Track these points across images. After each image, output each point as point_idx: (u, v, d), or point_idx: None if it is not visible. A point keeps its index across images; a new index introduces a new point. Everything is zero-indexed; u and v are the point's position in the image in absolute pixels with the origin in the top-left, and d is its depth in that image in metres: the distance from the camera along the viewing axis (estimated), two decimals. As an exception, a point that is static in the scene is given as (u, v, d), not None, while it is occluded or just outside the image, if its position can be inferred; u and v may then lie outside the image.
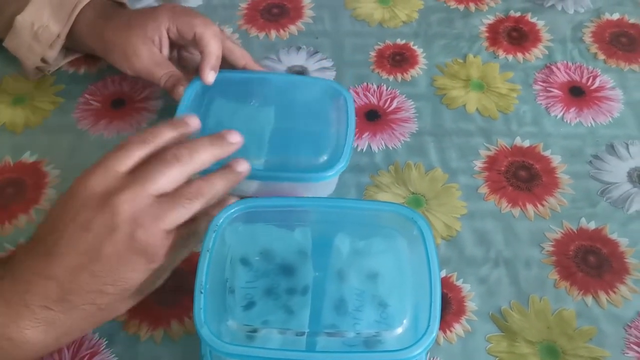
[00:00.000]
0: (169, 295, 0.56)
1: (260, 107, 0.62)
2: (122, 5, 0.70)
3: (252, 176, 0.53)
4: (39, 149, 0.66)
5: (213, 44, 0.63)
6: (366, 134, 0.67)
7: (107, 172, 0.46)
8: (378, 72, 0.73)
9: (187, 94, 0.61)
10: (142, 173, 0.46)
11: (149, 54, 0.63)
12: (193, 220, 0.48)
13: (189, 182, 0.48)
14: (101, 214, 0.44)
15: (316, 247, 0.51)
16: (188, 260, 0.57)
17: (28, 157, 0.65)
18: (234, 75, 0.65)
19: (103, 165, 0.46)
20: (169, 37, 0.65)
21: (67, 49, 0.70)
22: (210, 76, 0.62)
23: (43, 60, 0.69)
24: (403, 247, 0.51)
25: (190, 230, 0.49)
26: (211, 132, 0.51)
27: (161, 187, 0.46)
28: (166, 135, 0.50)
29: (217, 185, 0.49)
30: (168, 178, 0.46)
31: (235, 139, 0.51)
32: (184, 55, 0.70)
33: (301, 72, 0.72)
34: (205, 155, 0.49)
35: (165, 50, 0.65)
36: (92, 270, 0.44)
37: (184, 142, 0.50)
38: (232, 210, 0.50)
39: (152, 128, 0.50)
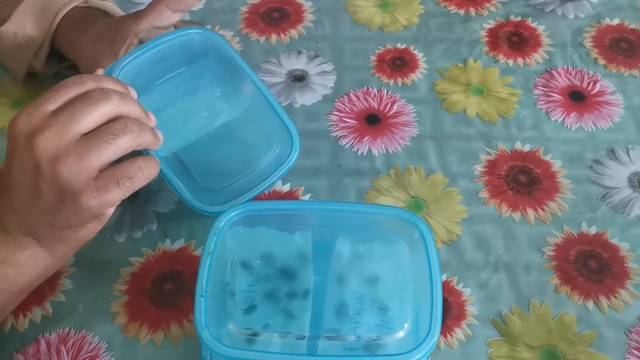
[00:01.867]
0: (168, 298, 0.56)
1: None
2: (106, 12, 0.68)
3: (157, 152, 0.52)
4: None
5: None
6: (366, 137, 0.67)
7: (35, 111, 0.45)
8: (378, 76, 0.73)
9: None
10: (67, 111, 0.45)
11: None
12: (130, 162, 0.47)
13: (115, 120, 0.47)
14: (28, 154, 0.44)
15: (317, 250, 0.51)
16: (188, 264, 0.58)
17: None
18: None
19: (33, 104, 0.46)
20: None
21: (61, 55, 0.70)
22: None
23: (32, 67, 0.68)
24: (404, 251, 0.50)
25: (123, 173, 0.46)
26: None
27: (86, 127, 0.45)
28: (105, 83, 0.48)
29: (145, 134, 0.48)
30: (93, 117, 0.45)
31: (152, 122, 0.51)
32: None
33: (302, 76, 0.72)
34: (133, 101, 0.49)
35: None
36: (39, 206, 0.46)
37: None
38: (233, 214, 0.50)
39: (94, 75, 0.50)
